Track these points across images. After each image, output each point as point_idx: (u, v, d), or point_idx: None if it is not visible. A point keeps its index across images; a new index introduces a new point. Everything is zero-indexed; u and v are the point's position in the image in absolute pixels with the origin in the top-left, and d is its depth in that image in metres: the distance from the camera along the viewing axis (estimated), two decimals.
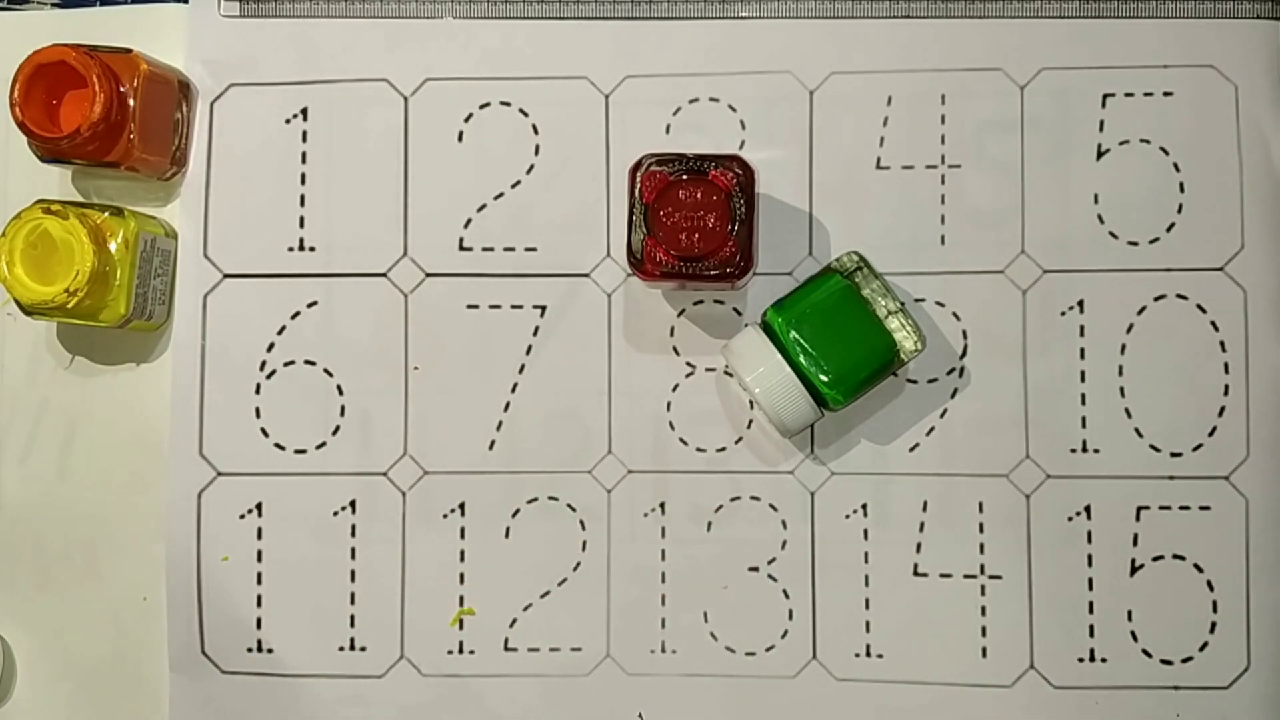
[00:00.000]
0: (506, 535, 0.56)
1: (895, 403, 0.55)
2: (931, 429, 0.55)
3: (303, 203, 0.57)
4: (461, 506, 0.56)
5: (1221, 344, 0.55)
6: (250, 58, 0.57)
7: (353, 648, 0.56)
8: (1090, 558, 0.55)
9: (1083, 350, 0.55)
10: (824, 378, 0.51)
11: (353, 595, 0.56)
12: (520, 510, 0.56)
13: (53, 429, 0.57)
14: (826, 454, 0.55)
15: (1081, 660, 0.54)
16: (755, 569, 0.55)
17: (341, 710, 0.56)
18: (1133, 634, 0.54)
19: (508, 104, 0.56)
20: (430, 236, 0.56)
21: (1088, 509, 0.55)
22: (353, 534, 0.56)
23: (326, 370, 0.56)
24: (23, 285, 0.51)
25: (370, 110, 0.57)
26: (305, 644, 0.56)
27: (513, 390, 0.56)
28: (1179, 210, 0.55)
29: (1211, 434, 0.55)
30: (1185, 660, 0.54)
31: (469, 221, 0.56)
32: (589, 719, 0.55)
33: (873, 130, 0.56)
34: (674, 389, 0.56)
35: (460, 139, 0.56)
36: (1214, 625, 0.54)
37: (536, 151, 0.56)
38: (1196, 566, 0.54)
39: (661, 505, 0.55)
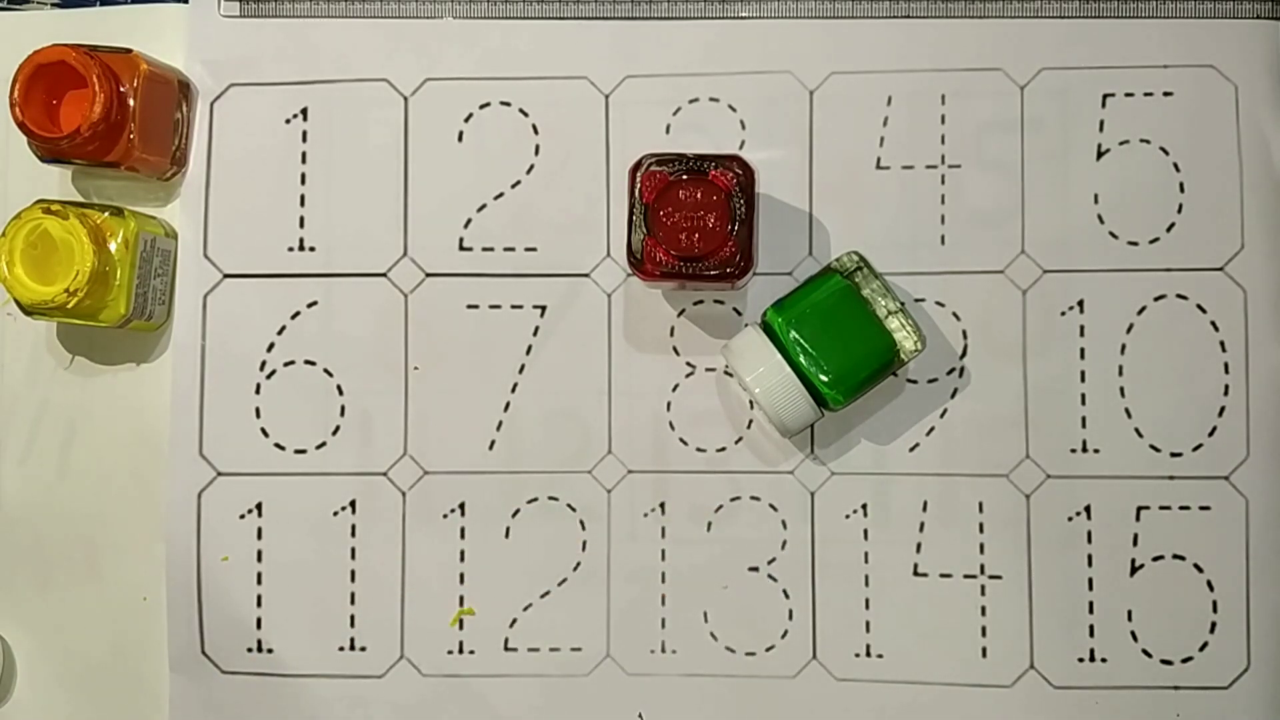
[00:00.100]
0: (506, 535, 0.56)
1: (895, 403, 0.55)
2: (931, 429, 0.55)
3: (303, 203, 0.57)
4: (461, 506, 0.56)
5: (1221, 344, 0.55)
6: (250, 58, 0.57)
7: (353, 648, 0.56)
8: (1090, 558, 0.55)
9: (1083, 350, 0.55)
10: (824, 378, 0.51)
11: (353, 595, 0.56)
12: (520, 510, 0.56)
13: (53, 429, 0.57)
14: (826, 454, 0.55)
15: (1081, 660, 0.55)
16: (755, 569, 0.55)
17: (341, 710, 0.56)
18: (1133, 634, 0.54)
19: (508, 104, 0.56)
20: (430, 236, 0.56)
21: (1088, 509, 0.55)
22: (353, 534, 0.56)
23: (326, 370, 0.56)
24: (23, 285, 0.51)
25: (370, 110, 0.57)
26: (305, 644, 0.56)
27: (513, 390, 0.56)
28: (1179, 210, 0.55)
29: (1211, 434, 0.55)
30: (1185, 660, 0.54)
31: (469, 221, 0.56)
32: (589, 719, 0.55)
33: (873, 130, 0.56)
34: (674, 389, 0.56)
35: (460, 139, 0.56)
36: (1214, 625, 0.54)
37: (536, 151, 0.56)
38: (1196, 566, 0.54)
39: (661, 505, 0.55)
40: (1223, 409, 0.55)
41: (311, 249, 0.56)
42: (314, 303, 0.56)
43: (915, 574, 0.55)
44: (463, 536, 0.56)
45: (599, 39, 0.56)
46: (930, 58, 0.56)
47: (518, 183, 0.56)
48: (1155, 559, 0.55)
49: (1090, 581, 0.55)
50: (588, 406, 0.56)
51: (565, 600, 0.55)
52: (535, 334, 0.56)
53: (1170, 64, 0.55)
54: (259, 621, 0.56)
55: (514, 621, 0.56)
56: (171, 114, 0.55)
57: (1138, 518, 0.55)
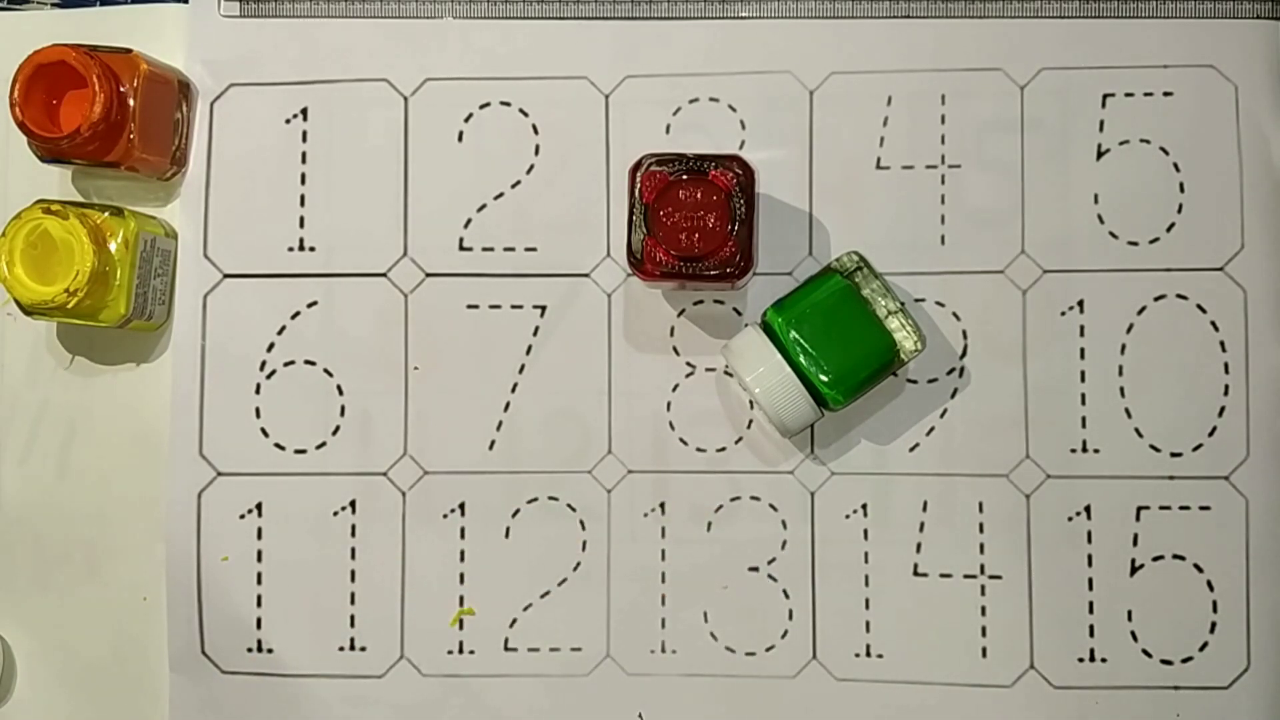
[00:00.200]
0: (506, 535, 0.56)
1: (895, 403, 0.55)
2: (931, 429, 0.55)
3: (303, 203, 0.57)
4: (461, 506, 0.56)
5: (1221, 344, 0.55)
6: (250, 58, 0.57)
7: (353, 648, 0.56)
8: (1090, 558, 0.55)
9: (1083, 350, 0.55)
10: (824, 378, 0.51)
11: (353, 595, 0.56)
12: (520, 510, 0.56)
13: (53, 429, 0.57)
14: (826, 454, 0.55)
15: (1081, 660, 0.54)
16: (755, 569, 0.55)
17: (341, 710, 0.56)
18: (1133, 634, 0.54)
19: (508, 104, 0.56)
20: (430, 236, 0.56)
21: (1088, 509, 0.55)
22: (353, 534, 0.56)
23: (326, 370, 0.56)
24: (23, 285, 0.51)
25: (370, 110, 0.57)
26: (305, 644, 0.56)
27: (513, 390, 0.56)
28: (1179, 210, 0.55)
29: (1211, 434, 0.55)
30: (1185, 660, 0.54)
31: (469, 221, 0.56)
32: (589, 719, 0.55)
33: (873, 130, 0.56)
34: (674, 389, 0.56)
35: (460, 139, 0.56)
36: (1214, 625, 0.54)
37: (536, 151, 0.56)
38: (1196, 566, 0.54)
39: (661, 505, 0.55)
40: (1223, 409, 0.55)
41: (311, 249, 0.56)
42: (314, 303, 0.56)
43: (915, 574, 0.55)
44: (463, 536, 0.56)
45: (599, 39, 0.56)
46: (930, 58, 0.56)
47: (518, 183, 0.56)
48: (1155, 559, 0.55)
49: (1090, 581, 0.55)
50: (588, 406, 0.56)
51: (565, 600, 0.55)
52: (535, 334, 0.56)
53: (1170, 64, 0.55)
54: (259, 621, 0.56)
55: (514, 621, 0.56)
56: (171, 114, 0.55)
57: (1138, 518, 0.55)
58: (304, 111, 0.57)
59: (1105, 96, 0.55)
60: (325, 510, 0.56)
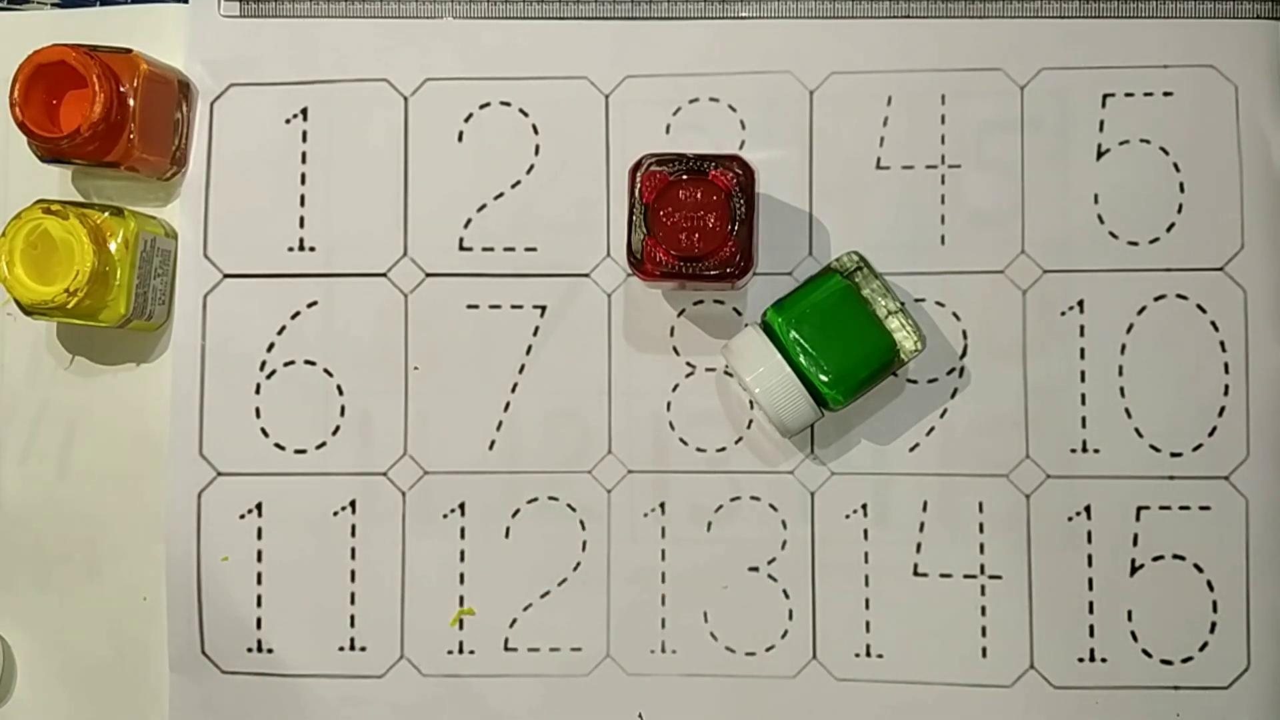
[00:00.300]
0: (506, 535, 0.56)
1: (895, 403, 0.55)
2: (931, 429, 0.55)
3: (303, 203, 0.57)
4: (461, 506, 0.56)
5: (1221, 344, 0.55)
6: (250, 58, 0.57)
7: (353, 648, 0.56)
8: (1090, 558, 0.55)
9: (1083, 350, 0.55)
10: (824, 378, 0.51)
11: (353, 595, 0.56)
12: (520, 510, 0.56)
13: (53, 429, 0.57)
14: (826, 454, 0.55)
15: (1081, 660, 0.54)
16: (755, 569, 0.55)
17: (341, 710, 0.56)
18: (1133, 634, 0.54)
19: (508, 104, 0.56)
20: (430, 236, 0.56)
21: (1088, 509, 0.55)
22: (353, 534, 0.56)
23: (326, 370, 0.56)
24: (23, 285, 0.51)
25: (370, 110, 0.57)
26: (305, 644, 0.56)
27: (513, 390, 0.56)
28: (1179, 210, 0.55)
29: (1211, 434, 0.55)
30: (1185, 660, 0.54)
31: (469, 221, 0.56)
32: (589, 719, 0.55)
33: (873, 130, 0.56)
34: (674, 389, 0.56)
35: (460, 139, 0.56)
36: (1214, 625, 0.54)
37: (536, 151, 0.56)
38: (1196, 566, 0.54)
39: (661, 505, 0.55)
40: (1223, 409, 0.55)
41: (311, 249, 0.56)
42: (314, 303, 0.56)
43: (915, 574, 0.55)
44: (463, 536, 0.56)
45: (599, 39, 0.56)
46: (930, 58, 0.56)
47: (518, 183, 0.56)
48: (1155, 559, 0.55)
49: (1090, 581, 0.55)
50: (588, 406, 0.56)
51: (565, 600, 0.55)
52: (535, 334, 0.56)
53: (1170, 64, 0.55)
54: (259, 621, 0.56)
55: (514, 621, 0.56)
56: (171, 114, 0.55)
57: (1138, 518, 0.55)
58: (304, 111, 0.57)
59: (1105, 96, 0.55)
60: (325, 510, 0.56)
